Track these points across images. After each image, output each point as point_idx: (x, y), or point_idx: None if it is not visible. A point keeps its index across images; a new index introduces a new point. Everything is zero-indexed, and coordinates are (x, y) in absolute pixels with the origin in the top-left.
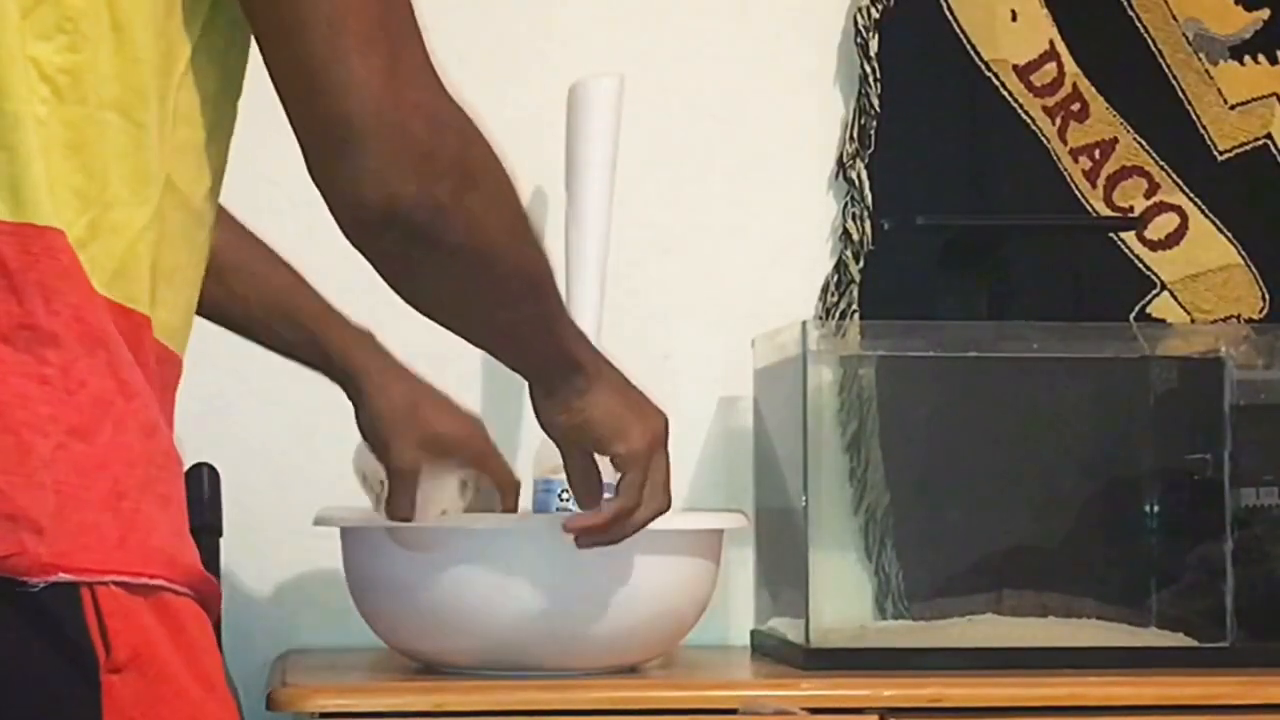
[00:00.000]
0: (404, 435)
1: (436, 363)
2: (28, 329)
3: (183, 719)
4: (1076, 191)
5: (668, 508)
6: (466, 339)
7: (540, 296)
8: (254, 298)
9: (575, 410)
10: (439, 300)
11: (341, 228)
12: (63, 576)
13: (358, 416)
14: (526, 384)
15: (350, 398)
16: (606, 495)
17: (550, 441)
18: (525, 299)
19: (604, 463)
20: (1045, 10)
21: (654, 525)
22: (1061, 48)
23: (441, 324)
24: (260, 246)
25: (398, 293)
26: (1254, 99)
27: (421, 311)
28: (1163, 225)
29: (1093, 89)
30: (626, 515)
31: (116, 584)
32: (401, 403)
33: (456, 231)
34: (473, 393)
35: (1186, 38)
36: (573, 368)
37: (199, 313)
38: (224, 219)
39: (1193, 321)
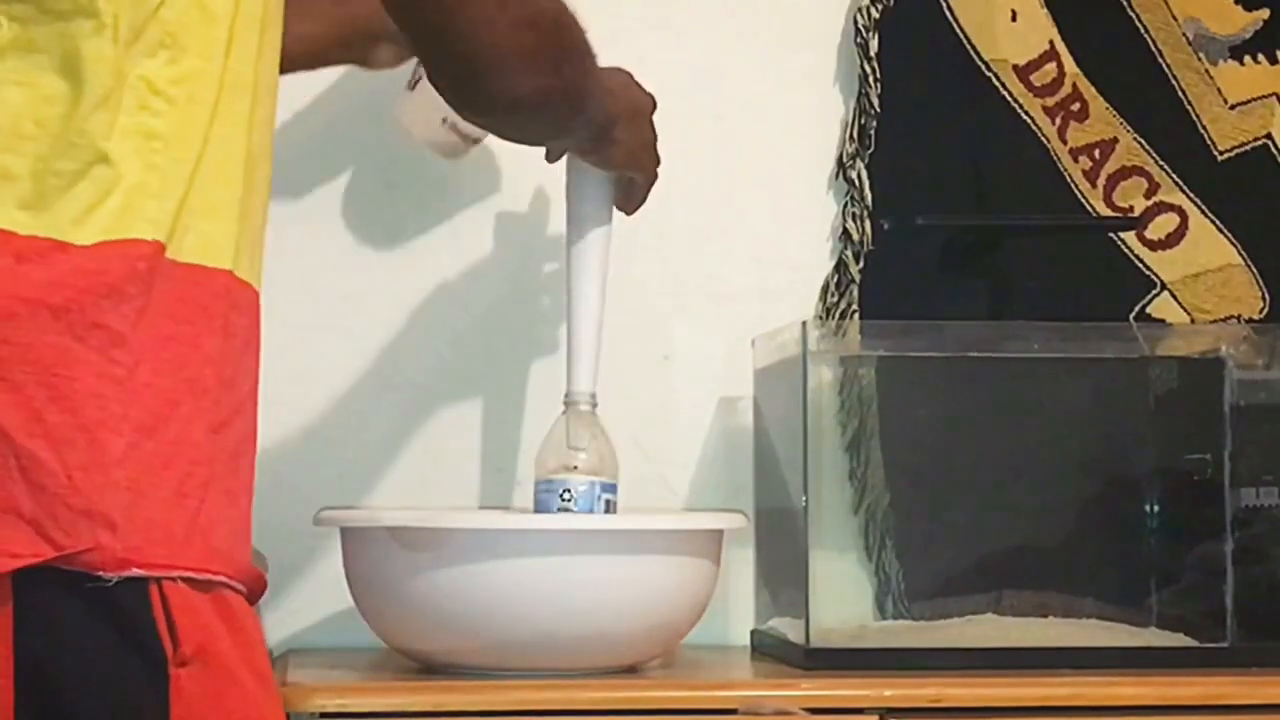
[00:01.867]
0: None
1: (438, 377)
2: (99, 329)
3: (242, 712)
4: (1076, 191)
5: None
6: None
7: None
8: None
9: (602, 155)
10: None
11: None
12: (135, 571)
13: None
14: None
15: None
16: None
17: (550, 443)
18: (577, 62)
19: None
20: (1045, 10)
21: (654, 525)
22: (1061, 48)
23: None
24: None
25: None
26: (1254, 99)
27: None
28: (1163, 225)
29: (1093, 89)
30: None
31: (183, 579)
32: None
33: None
34: (474, 397)
35: (1186, 38)
36: (603, 121)
37: None
38: None
39: (1193, 321)
